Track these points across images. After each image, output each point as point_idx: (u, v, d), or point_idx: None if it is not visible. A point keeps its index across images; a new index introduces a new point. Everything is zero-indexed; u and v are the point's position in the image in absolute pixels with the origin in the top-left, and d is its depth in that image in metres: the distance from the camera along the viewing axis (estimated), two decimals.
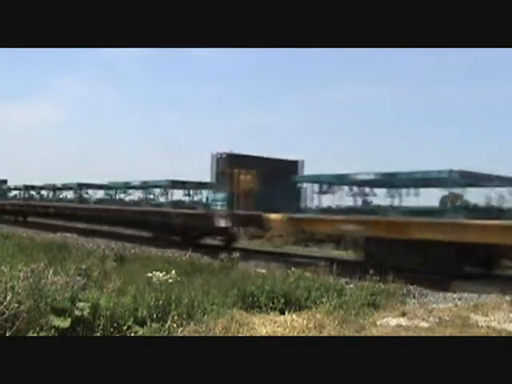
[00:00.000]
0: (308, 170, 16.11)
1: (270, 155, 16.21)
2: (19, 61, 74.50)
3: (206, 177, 15.96)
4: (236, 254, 10.44)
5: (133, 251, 13.21)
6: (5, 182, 35.29)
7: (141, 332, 4.84)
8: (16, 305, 4.30)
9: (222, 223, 14.42)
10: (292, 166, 15.86)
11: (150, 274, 5.99)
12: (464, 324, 6.01)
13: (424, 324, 6.05)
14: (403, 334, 5.52)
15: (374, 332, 5.57)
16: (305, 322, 5.82)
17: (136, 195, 21.88)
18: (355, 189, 13.54)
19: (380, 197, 13.50)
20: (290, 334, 5.37)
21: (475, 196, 12.61)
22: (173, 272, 5.89)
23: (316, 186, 13.74)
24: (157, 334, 4.79)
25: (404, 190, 12.23)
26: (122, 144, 75.14)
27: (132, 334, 4.79)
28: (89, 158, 67.41)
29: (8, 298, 4.28)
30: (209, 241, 17.21)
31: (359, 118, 64.73)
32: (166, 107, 76.64)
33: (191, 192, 19.40)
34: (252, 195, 14.64)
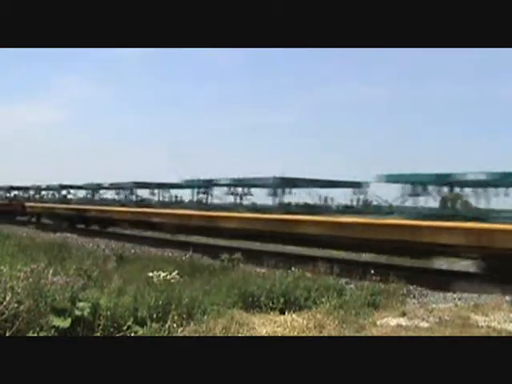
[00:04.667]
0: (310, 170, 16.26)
1: None
2: (19, 61, 74.52)
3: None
4: (237, 255, 10.44)
5: (133, 251, 13.23)
6: None
7: (141, 332, 4.84)
8: (16, 305, 4.30)
9: None
10: None
11: (150, 274, 5.99)
12: (464, 324, 6.01)
13: (424, 324, 6.05)
14: (403, 333, 5.52)
15: (374, 332, 5.57)
16: (305, 321, 5.82)
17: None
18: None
19: None
20: (290, 334, 5.37)
21: None
22: (173, 273, 5.89)
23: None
24: (157, 334, 4.79)
25: None
26: (121, 144, 75.13)
27: (132, 334, 4.79)
28: (89, 157, 67.45)
29: (8, 298, 4.28)
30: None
31: (358, 118, 64.70)
32: (165, 107, 76.68)
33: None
34: None
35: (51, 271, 5.20)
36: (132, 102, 78.84)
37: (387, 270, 9.54)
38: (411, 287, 9.22)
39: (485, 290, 8.64)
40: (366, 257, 14.94)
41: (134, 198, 22.94)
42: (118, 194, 24.29)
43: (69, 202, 27.51)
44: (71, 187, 28.88)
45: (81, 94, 76.86)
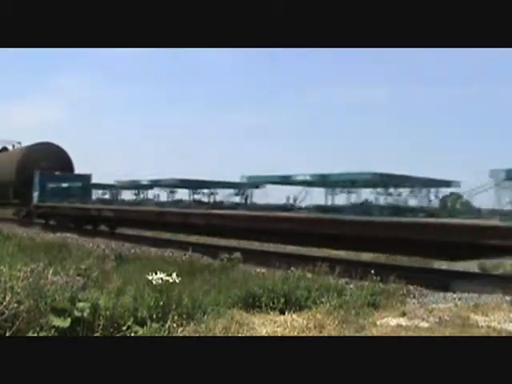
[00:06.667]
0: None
1: None
2: (19, 61, 74.55)
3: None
4: (237, 254, 10.43)
5: (133, 251, 13.22)
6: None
7: (141, 332, 4.83)
8: (16, 305, 4.29)
9: None
10: None
11: (149, 276, 5.98)
12: (464, 324, 6.00)
13: (424, 324, 6.05)
14: (403, 333, 5.51)
15: (374, 332, 5.57)
16: (305, 321, 5.81)
17: None
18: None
19: None
20: (290, 334, 5.36)
21: None
22: (174, 274, 5.87)
23: None
24: (157, 334, 4.79)
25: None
26: (121, 143, 75.20)
27: (132, 334, 4.79)
28: (88, 157, 67.51)
29: (8, 298, 4.28)
30: None
31: (358, 119, 64.75)
32: (165, 107, 76.74)
33: None
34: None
35: (51, 271, 5.20)
36: (132, 102, 78.91)
37: (387, 270, 9.54)
38: (411, 287, 9.21)
39: (485, 290, 8.64)
40: (365, 257, 14.96)
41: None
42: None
43: None
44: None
45: (81, 94, 76.96)
